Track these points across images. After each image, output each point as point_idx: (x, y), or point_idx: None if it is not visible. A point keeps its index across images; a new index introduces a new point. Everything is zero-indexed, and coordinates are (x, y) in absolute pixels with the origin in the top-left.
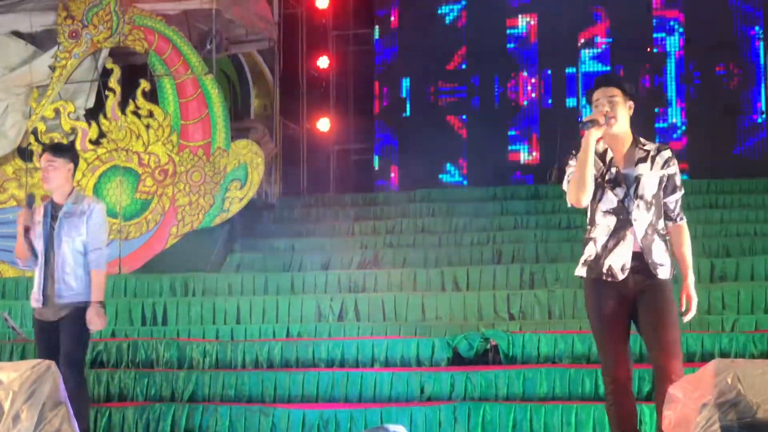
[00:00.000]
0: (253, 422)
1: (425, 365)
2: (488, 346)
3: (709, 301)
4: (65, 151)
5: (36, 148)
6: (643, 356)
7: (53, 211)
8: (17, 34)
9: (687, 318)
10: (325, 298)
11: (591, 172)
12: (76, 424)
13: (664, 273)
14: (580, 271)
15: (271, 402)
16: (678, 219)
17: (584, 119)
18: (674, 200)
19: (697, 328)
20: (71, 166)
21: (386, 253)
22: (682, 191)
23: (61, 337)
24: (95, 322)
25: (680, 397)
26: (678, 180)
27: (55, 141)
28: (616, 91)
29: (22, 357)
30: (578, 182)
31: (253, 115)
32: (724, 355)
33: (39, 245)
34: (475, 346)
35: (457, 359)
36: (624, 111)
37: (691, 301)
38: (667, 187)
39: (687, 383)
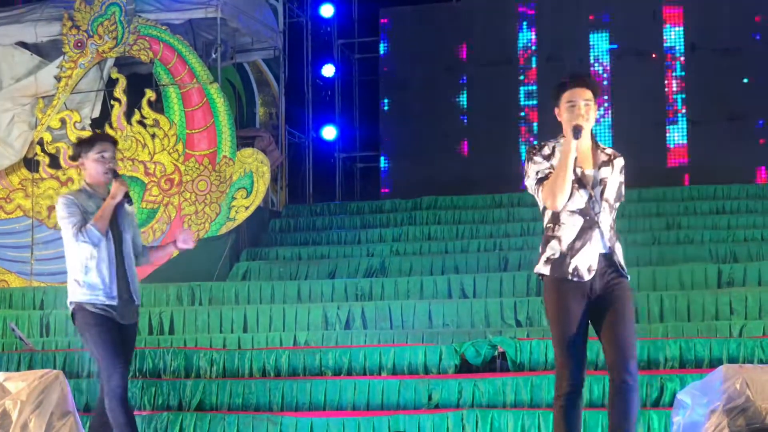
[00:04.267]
0: (260, 431)
1: (433, 372)
2: (496, 353)
3: (717, 306)
4: None
5: (42, 158)
6: (651, 362)
7: (101, 205)
8: (23, 45)
9: None
10: (332, 306)
11: (570, 177)
12: None
13: (627, 273)
14: (542, 269)
15: (279, 410)
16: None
17: (575, 128)
18: (619, 205)
19: (705, 333)
20: None
21: (393, 260)
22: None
23: (130, 344)
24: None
25: (689, 403)
26: (623, 189)
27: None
28: (591, 95)
29: (30, 367)
30: (560, 187)
31: (258, 123)
32: (732, 360)
33: (96, 236)
34: (482, 353)
35: (464, 366)
36: (594, 114)
37: None
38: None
39: (695, 389)
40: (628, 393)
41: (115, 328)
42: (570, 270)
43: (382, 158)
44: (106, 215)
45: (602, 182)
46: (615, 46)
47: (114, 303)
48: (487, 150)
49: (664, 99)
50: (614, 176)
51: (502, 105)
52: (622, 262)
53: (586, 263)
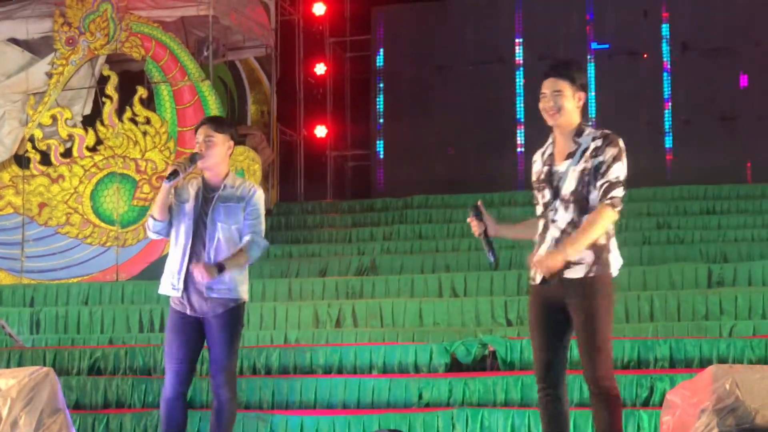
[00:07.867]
0: (251, 429)
1: (423, 371)
2: (486, 352)
3: (707, 306)
4: (227, 126)
5: (33, 155)
6: (641, 362)
7: (205, 192)
8: (14, 41)
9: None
10: (323, 304)
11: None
12: (74, 431)
13: (576, 272)
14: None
15: (269, 408)
16: (604, 201)
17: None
18: (600, 185)
19: (694, 333)
20: (231, 144)
21: (384, 259)
22: (609, 178)
23: (209, 341)
24: (200, 270)
25: (678, 403)
26: (606, 167)
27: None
28: (563, 84)
29: (20, 364)
30: None
31: (250, 121)
32: (721, 360)
33: (181, 226)
34: (473, 352)
35: (455, 365)
36: (571, 104)
37: (539, 264)
38: (595, 174)
39: (685, 389)
40: (594, 401)
41: (182, 326)
42: (531, 274)
43: (373, 157)
44: (158, 199)
45: (559, 178)
46: (606, 46)
47: (178, 294)
48: (480, 149)
49: (656, 99)
50: (577, 167)
51: (495, 104)
52: (571, 259)
53: None
